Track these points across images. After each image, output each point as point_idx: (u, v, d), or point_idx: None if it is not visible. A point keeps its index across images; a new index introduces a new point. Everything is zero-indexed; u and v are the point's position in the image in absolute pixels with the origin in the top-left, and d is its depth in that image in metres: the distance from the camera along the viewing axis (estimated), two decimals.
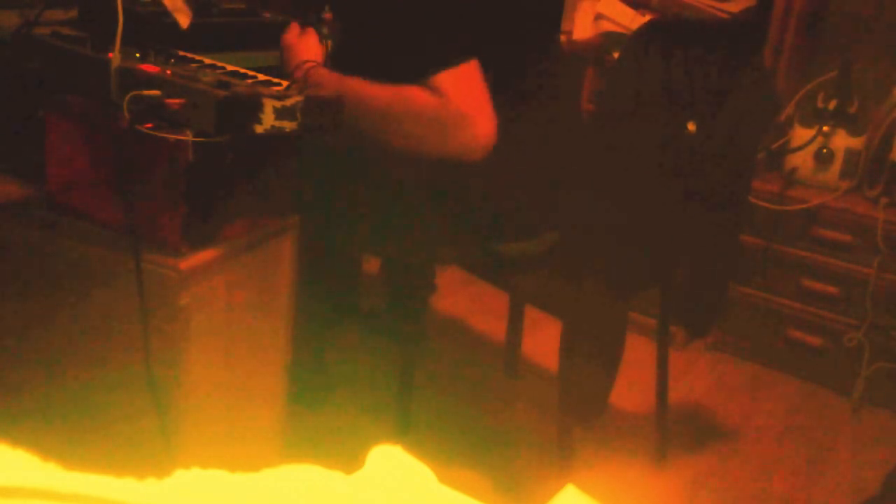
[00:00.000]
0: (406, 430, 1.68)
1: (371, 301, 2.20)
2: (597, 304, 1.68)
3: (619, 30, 2.47)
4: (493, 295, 2.46)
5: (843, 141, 2.41)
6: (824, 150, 2.41)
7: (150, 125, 1.11)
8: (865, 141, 2.40)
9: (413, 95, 1.33)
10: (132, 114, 1.09)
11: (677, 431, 2.12)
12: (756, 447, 2.15)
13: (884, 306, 2.30)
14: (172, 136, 1.13)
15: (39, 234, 1.29)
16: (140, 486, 0.36)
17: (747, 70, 1.75)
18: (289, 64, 1.45)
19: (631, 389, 2.16)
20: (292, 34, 1.47)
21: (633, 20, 2.46)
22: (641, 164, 1.59)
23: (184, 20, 1.30)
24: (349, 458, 0.46)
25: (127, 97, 1.09)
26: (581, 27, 2.52)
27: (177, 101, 1.11)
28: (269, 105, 1.11)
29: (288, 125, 1.13)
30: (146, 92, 1.10)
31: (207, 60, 1.28)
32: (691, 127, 1.64)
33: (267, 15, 1.58)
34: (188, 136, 1.13)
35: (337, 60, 1.46)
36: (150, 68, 1.17)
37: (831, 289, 2.37)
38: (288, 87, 1.19)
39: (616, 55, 2.37)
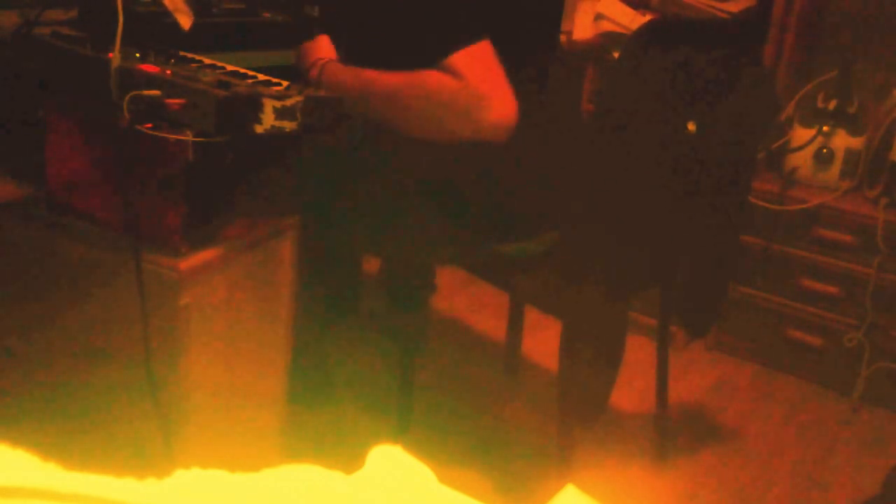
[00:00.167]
0: (406, 430, 1.68)
1: (371, 301, 2.20)
2: (597, 304, 1.68)
3: (619, 30, 2.47)
4: (493, 295, 2.46)
5: (843, 141, 2.41)
6: (824, 150, 2.41)
7: (150, 125, 1.11)
8: (865, 141, 2.40)
9: (431, 79, 1.31)
10: (132, 114, 1.09)
11: (677, 431, 2.12)
12: (756, 447, 2.15)
13: (884, 306, 2.30)
14: (172, 136, 1.13)
15: (39, 234, 1.29)
16: (140, 486, 0.36)
17: (747, 70, 1.75)
18: (303, 64, 1.46)
19: (631, 389, 2.16)
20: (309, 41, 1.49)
21: (633, 20, 2.46)
22: (641, 163, 1.59)
23: (185, 21, 1.30)
24: (349, 458, 0.46)
25: (127, 97, 1.09)
26: (581, 27, 2.52)
27: (177, 101, 1.11)
28: (269, 105, 1.11)
29: (288, 125, 1.13)
30: (146, 92, 1.10)
31: (207, 60, 1.28)
32: (691, 127, 1.64)
33: (267, 15, 1.58)
34: (188, 136, 1.13)
35: (347, 60, 1.47)
36: (150, 68, 1.17)
37: (831, 289, 2.37)
38: (288, 87, 1.19)
39: (616, 55, 2.37)
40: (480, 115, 1.29)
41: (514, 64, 1.37)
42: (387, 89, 1.36)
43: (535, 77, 1.59)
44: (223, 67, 1.26)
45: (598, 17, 2.52)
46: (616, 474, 1.97)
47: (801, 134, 2.44)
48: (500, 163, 1.52)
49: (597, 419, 1.86)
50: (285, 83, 1.21)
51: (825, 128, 2.40)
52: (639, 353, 2.14)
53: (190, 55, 1.29)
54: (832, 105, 2.41)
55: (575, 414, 1.71)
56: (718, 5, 2.37)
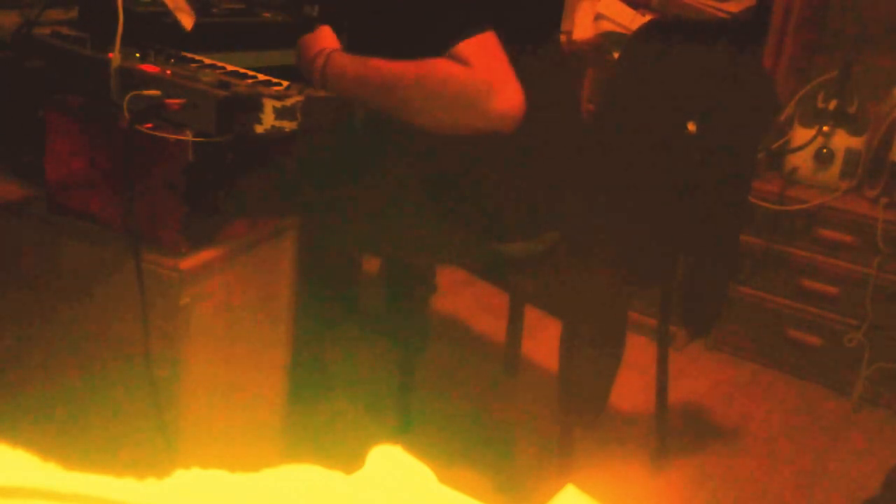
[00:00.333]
0: (406, 430, 1.68)
1: (371, 301, 2.20)
2: (597, 304, 1.68)
3: (619, 30, 2.47)
4: (493, 295, 2.46)
5: (843, 141, 2.41)
6: (824, 150, 2.41)
7: (150, 125, 1.11)
8: (865, 141, 2.40)
9: (440, 66, 1.29)
10: (132, 114, 1.09)
11: (677, 431, 2.12)
12: (756, 447, 2.15)
13: (884, 306, 2.30)
14: (172, 136, 1.13)
15: (39, 234, 1.29)
16: (140, 486, 0.36)
17: (747, 70, 1.75)
18: (307, 54, 1.43)
19: (631, 389, 2.16)
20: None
21: (633, 20, 2.46)
22: (641, 164, 1.59)
23: (187, 21, 1.30)
24: (349, 458, 0.46)
25: (127, 97, 1.09)
26: (581, 27, 2.52)
27: (177, 101, 1.11)
28: (269, 105, 1.11)
29: (288, 125, 1.13)
30: (146, 92, 1.10)
31: (207, 60, 1.28)
32: (691, 127, 1.64)
33: (267, 15, 1.58)
34: (188, 136, 1.13)
35: (349, 51, 1.45)
36: (150, 68, 1.17)
37: (831, 289, 2.37)
38: (288, 87, 1.19)
39: (616, 55, 2.37)
40: (488, 104, 1.28)
41: (514, 63, 1.37)
42: (395, 77, 1.34)
43: (535, 76, 1.59)
44: (223, 67, 1.26)
45: (598, 17, 2.52)
46: (616, 474, 1.97)
47: (801, 134, 2.44)
48: (499, 163, 1.51)
49: (597, 419, 1.86)
50: (285, 83, 1.21)
51: (825, 128, 2.40)
52: (639, 353, 2.14)
53: (190, 55, 1.29)
54: (832, 105, 2.41)
55: (575, 414, 1.71)
56: (718, 5, 2.37)
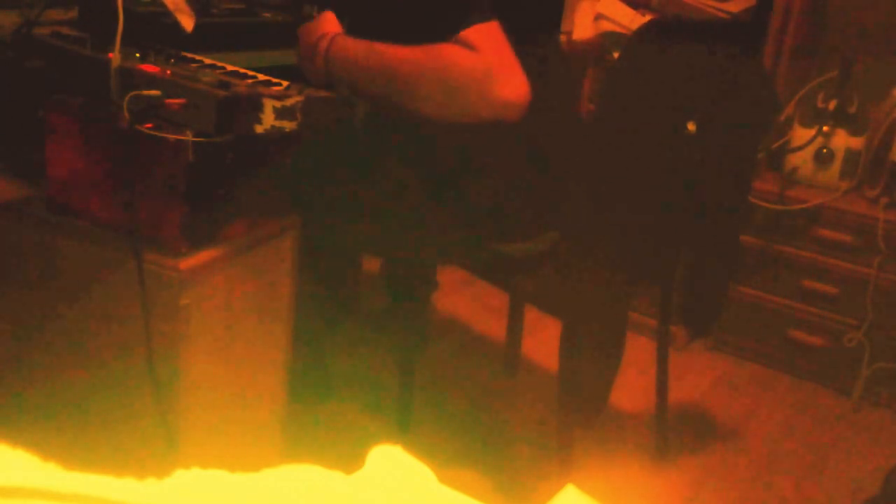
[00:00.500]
0: (406, 430, 1.68)
1: (371, 301, 2.20)
2: (597, 304, 1.68)
3: (619, 30, 2.47)
4: (493, 295, 2.46)
5: (843, 141, 2.41)
6: (824, 150, 2.41)
7: (150, 125, 1.11)
8: (865, 141, 2.40)
9: (447, 51, 1.27)
10: (132, 114, 1.09)
11: (677, 431, 2.12)
12: (756, 447, 2.15)
13: (884, 306, 2.30)
14: (172, 136, 1.13)
15: (39, 234, 1.29)
16: (140, 486, 0.36)
17: (747, 70, 1.75)
18: (309, 39, 1.41)
19: (631, 389, 2.16)
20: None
21: (633, 20, 2.46)
22: (641, 164, 1.59)
23: (187, 21, 1.30)
24: (349, 458, 0.46)
25: (127, 97, 1.09)
26: (581, 27, 2.52)
27: (177, 101, 1.11)
28: (269, 105, 1.11)
29: (288, 125, 1.13)
30: (146, 92, 1.10)
31: (207, 60, 1.28)
32: (691, 127, 1.64)
33: (267, 15, 1.58)
34: (188, 136, 1.13)
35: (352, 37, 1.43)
36: (150, 68, 1.17)
37: (831, 289, 2.37)
38: (288, 87, 1.19)
39: (616, 55, 2.37)
40: (495, 90, 1.26)
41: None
42: (402, 62, 1.31)
43: (535, 76, 1.59)
44: (223, 67, 1.26)
45: (598, 17, 2.52)
46: (616, 474, 1.97)
47: (801, 134, 2.44)
48: (500, 162, 1.51)
49: (597, 419, 1.86)
50: (285, 83, 1.21)
51: (825, 128, 2.40)
52: (639, 353, 2.14)
53: (190, 55, 1.29)
54: (832, 105, 2.41)
55: (575, 414, 1.71)
56: (718, 5, 2.38)
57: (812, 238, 2.38)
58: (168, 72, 1.16)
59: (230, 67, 1.26)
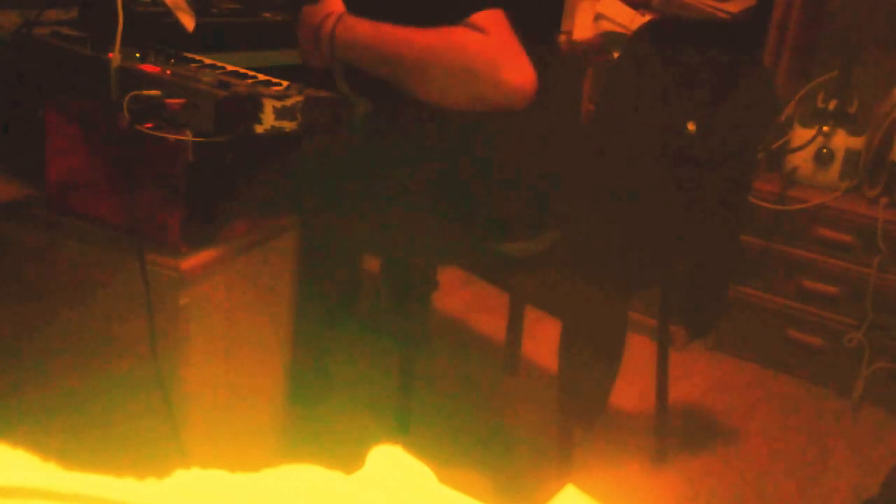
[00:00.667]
0: (406, 430, 1.68)
1: (371, 301, 2.20)
2: (597, 304, 1.68)
3: (619, 30, 2.47)
4: (493, 295, 2.46)
5: (843, 141, 2.41)
6: (824, 150, 2.41)
7: (150, 125, 1.11)
8: (865, 141, 2.40)
9: (458, 33, 1.26)
10: (132, 114, 1.09)
11: (677, 431, 2.12)
12: (756, 447, 2.15)
13: (884, 306, 2.30)
14: (172, 136, 1.13)
15: (40, 234, 1.29)
16: (140, 486, 0.36)
17: (747, 70, 1.75)
18: (312, 19, 1.38)
19: (631, 389, 2.16)
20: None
21: (633, 20, 2.46)
22: (641, 163, 1.59)
23: (188, 22, 1.30)
24: (349, 458, 0.46)
25: (127, 97, 1.09)
26: (581, 27, 2.52)
27: (177, 101, 1.11)
28: (269, 105, 1.11)
29: (288, 125, 1.13)
30: (146, 92, 1.10)
31: (207, 60, 1.28)
32: (691, 127, 1.64)
33: (267, 15, 1.58)
34: (188, 136, 1.13)
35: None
36: (150, 68, 1.17)
37: (831, 289, 2.37)
38: (288, 87, 1.19)
39: (616, 55, 2.37)
40: (503, 75, 1.25)
41: None
42: (412, 44, 1.29)
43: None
44: (223, 67, 1.26)
45: (598, 17, 2.52)
46: (616, 474, 1.97)
47: (801, 134, 2.44)
48: (500, 162, 1.51)
49: (597, 419, 1.86)
50: (285, 83, 1.21)
51: (825, 128, 2.40)
52: (639, 353, 2.14)
53: (190, 55, 1.29)
54: (832, 105, 2.41)
55: (575, 414, 1.71)
56: (718, 5, 2.38)
57: (812, 238, 2.38)
58: (168, 72, 1.16)
59: (230, 67, 1.26)
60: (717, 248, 1.95)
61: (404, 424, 1.69)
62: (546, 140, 1.58)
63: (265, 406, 1.45)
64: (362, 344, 2.21)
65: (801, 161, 2.44)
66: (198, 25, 1.34)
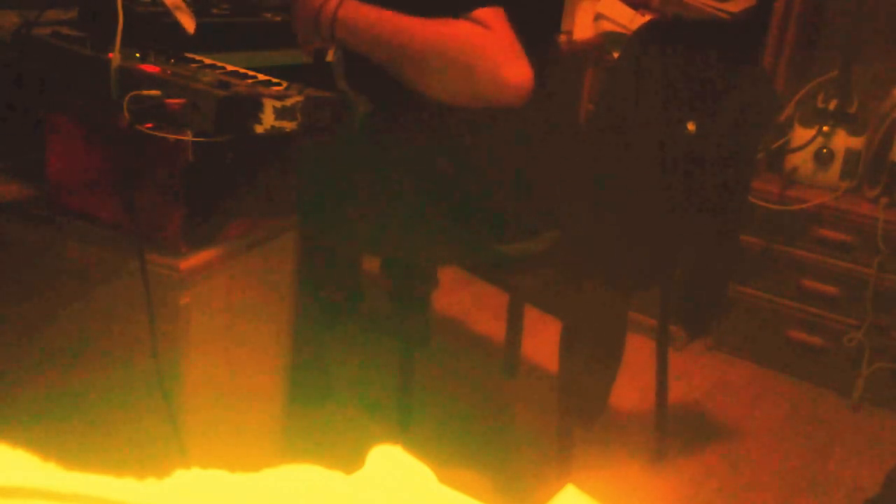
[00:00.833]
0: (406, 430, 1.68)
1: (371, 301, 2.20)
2: (597, 304, 1.68)
3: (619, 30, 2.48)
4: (493, 295, 2.46)
5: (843, 141, 2.41)
6: (824, 150, 2.41)
7: (150, 125, 1.11)
8: (865, 141, 2.40)
9: (462, 26, 1.25)
10: (132, 114, 1.09)
11: (677, 431, 2.12)
12: (756, 447, 2.15)
13: (884, 306, 2.30)
14: (172, 136, 1.13)
15: (39, 234, 1.29)
16: (140, 486, 0.36)
17: (747, 70, 1.75)
18: (312, 3, 1.35)
19: (631, 389, 2.16)
20: None
21: (633, 20, 2.46)
22: (641, 164, 1.59)
23: (188, 23, 1.29)
24: (349, 458, 0.46)
25: (127, 97, 1.09)
26: (581, 27, 2.52)
27: (177, 101, 1.11)
28: (269, 105, 1.11)
29: (288, 125, 1.13)
30: (146, 92, 1.10)
31: (207, 60, 1.28)
32: (691, 127, 1.64)
33: (267, 15, 1.58)
34: (188, 136, 1.13)
35: None
36: (150, 68, 1.17)
37: (831, 289, 2.37)
38: (288, 87, 1.19)
39: (616, 55, 2.37)
40: (502, 72, 1.25)
41: None
42: (415, 34, 1.28)
43: (535, 75, 1.59)
44: (223, 67, 1.26)
45: (598, 17, 2.52)
46: (616, 474, 1.97)
47: (801, 134, 2.44)
48: (499, 162, 1.51)
49: (597, 419, 1.86)
50: (285, 83, 1.21)
51: (825, 128, 2.40)
52: (639, 353, 2.14)
53: (190, 55, 1.29)
54: (832, 105, 2.41)
55: (575, 414, 1.71)
56: (718, 5, 2.38)
57: (812, 238, 2.38)
58: (168, 72, 1.16)
59: (230, 67, 1.26)
60: (717, 248, 1.95)
61: (404, 424, 1.69)
62: (546, 140, 1.58)
63: (265, 406, 1.45)
64: (362, 344, 2.21)
65: (801, 161, 2.44)
66: (198, 25, 1.33)
